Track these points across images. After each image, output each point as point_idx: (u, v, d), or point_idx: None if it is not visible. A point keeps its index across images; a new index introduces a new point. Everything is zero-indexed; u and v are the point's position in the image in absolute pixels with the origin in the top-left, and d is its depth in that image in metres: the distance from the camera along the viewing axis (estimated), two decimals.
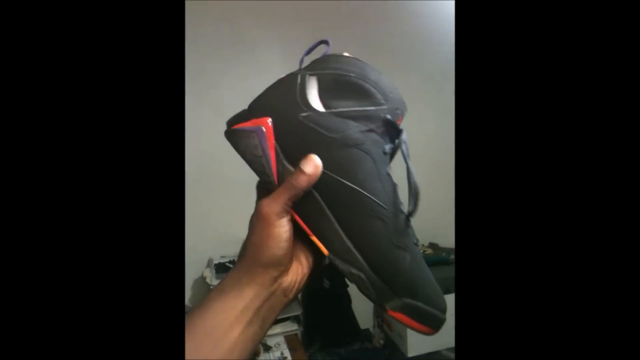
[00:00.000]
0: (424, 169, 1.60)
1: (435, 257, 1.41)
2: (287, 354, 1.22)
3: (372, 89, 0.34)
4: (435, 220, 1.54)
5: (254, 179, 0.36)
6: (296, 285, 0.34)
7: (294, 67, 0.36)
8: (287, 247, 0.32)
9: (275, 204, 0.32)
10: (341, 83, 0.34)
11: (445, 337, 1.26)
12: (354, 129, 0.33)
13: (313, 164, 0.32)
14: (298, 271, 0.35)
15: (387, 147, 0.34)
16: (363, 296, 0.33)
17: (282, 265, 0.32)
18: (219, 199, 1.36)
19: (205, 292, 1.28)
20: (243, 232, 0.35)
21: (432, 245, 1.50)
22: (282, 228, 0.32)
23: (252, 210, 0.34)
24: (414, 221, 0.34)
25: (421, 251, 1.41)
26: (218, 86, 1.37)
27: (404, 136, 0.34)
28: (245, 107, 0.35)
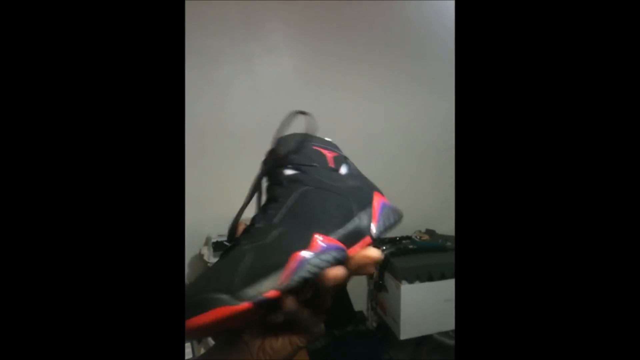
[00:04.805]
0: (423, 158, 1.61)
1: (431, 243, 1.42)
2: None
3: None
4: (432, 208, 1.55)
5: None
6: None
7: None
8: None
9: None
10: None
11: (438, 322, 1.28)
12: None
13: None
14: None
15: None
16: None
17: None
18: (220, 178, 1.36)
19: (202, 269, 1.30)
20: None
21: (429, 232, 1.51)
22: None
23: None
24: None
25: (418, 237, 1.42)
26: (222, 64, 1.35)
27: None
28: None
